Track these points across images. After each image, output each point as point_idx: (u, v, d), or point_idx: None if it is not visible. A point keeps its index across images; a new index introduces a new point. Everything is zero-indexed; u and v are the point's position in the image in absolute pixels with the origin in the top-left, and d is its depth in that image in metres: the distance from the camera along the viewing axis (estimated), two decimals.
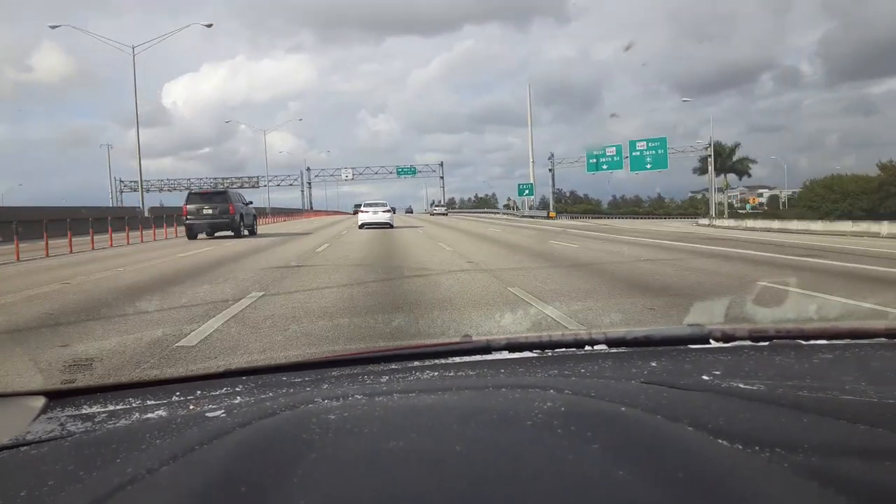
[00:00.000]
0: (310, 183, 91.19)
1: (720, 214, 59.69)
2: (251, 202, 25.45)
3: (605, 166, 62.96)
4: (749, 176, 65.40)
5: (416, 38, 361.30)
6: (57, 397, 1.06)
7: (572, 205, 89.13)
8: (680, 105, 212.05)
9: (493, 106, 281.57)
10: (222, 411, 0.85)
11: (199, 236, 22.07)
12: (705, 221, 44.50)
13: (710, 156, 56.93)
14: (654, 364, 1.09)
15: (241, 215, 22.61)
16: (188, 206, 21.80)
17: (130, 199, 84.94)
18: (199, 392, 1.06)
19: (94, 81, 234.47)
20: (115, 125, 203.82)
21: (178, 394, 1.05)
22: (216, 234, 22.35)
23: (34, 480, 0.68)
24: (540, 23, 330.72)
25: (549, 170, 65.52)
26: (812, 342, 1.24)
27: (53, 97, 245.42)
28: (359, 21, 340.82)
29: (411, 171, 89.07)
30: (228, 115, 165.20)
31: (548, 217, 57.46)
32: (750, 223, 35.95)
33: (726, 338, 1.26)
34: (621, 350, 1.23)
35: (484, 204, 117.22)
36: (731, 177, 65.74)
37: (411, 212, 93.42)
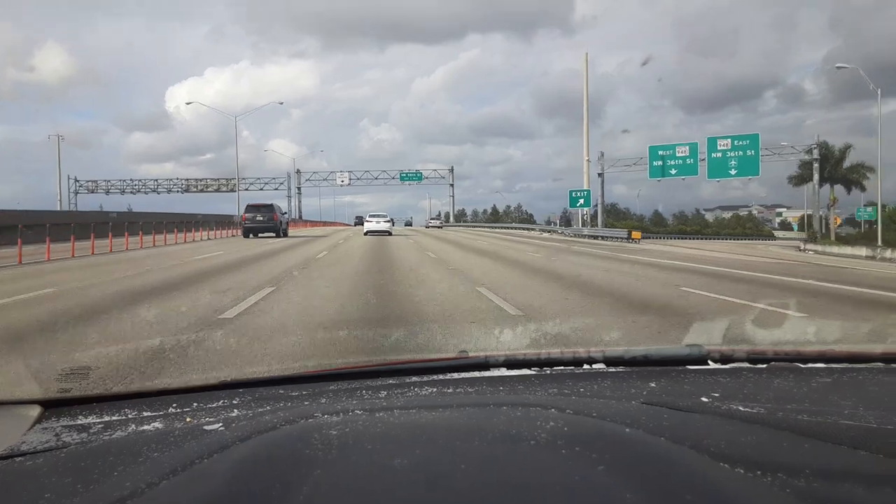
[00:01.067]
0: (299, 188, 77.73)
1: (825, 238, 44.54)
2: (287, 212, 39.19)
3: (673, 171, 47.81)
4: (863, 189, 49.68)
5: (420, 47, 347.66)
6: (52, 406, 1.05)
7: (615, 220, 73.79)
8: (683, 119, 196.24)
9: (495, 117, 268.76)
10: (220, 424, 0.85)
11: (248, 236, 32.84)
12: (862, 251, 28.76)
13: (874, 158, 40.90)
14: (653, 384, 1.09)
15: (281, 221, 32.97)
16: (246, 215, 32.31)
17: (86, 203, 71.14)
18: (195, 404, 1.05)
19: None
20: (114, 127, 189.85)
21: (174, 405, 1.04)
22: (259, 235, 32.00)
23: (30, 493, 0.65)
24: (544, 34, 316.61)
25: (599, 174, 50.23)
26: (810, 365, 1.23)
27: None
28: (363, 28, 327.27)
29: (417, 176, 75.99)
30: (229, 121, 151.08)
31: (629, 238, 37.56)
32: None
33: (724, 359, 1.26)
34: (619, 369, 1.22)
35: (503, 216, 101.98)
36: (838, 189, 50.22)
37: (410, 224, 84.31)
